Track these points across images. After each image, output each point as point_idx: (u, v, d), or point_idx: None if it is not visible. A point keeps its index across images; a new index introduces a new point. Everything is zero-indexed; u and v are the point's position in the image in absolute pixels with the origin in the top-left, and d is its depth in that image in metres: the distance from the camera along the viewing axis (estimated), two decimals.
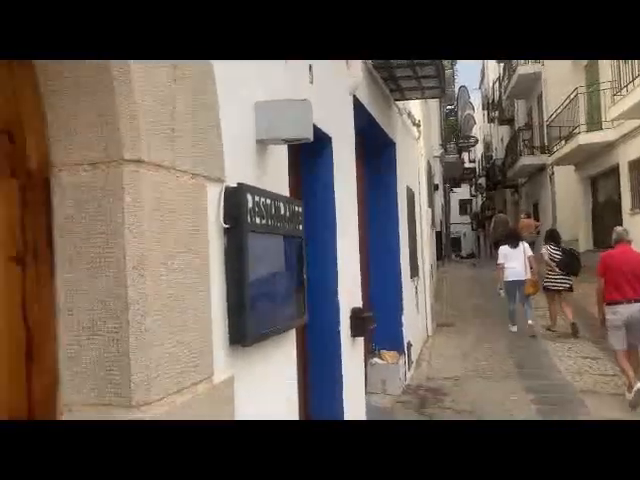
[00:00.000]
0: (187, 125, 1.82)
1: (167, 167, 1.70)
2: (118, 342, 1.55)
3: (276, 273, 2.48)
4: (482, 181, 35.33)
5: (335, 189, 3.68)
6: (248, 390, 2.17)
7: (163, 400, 1.61)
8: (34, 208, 1.59)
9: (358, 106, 4.48)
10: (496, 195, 30.03)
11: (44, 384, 1.58)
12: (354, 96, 4.36)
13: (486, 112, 33.79)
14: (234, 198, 2.09)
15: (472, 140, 25.96)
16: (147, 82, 1.61)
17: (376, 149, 5.92)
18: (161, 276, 1.63)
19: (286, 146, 2.75)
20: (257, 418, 2.22)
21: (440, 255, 17.60)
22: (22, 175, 1.57)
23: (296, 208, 2.71)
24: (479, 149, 36.39)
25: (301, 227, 2.77)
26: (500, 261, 9.14)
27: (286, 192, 2.78)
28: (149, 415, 1.55)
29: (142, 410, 1.54)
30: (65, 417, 1.58)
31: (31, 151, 1.59)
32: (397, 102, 6.32)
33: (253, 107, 2.39)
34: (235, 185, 2.12)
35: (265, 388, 2.40)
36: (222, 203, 2.05)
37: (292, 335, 2.76)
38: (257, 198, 2.23)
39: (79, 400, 1.58)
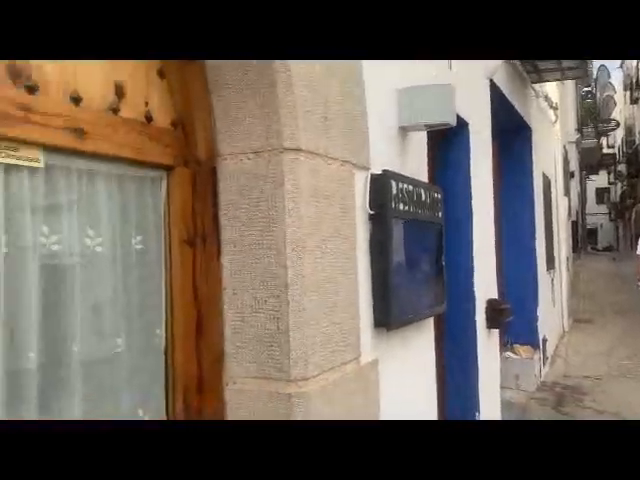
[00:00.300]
0: (338, 114, 1.88)
1: (321, 155, 1.77)
2: (278, 320, 1.64)
3: (417, 260, 2.48)
4: (622, 168, 32.58)
5: (471, 175, 3.60)
6: (390, 374, 2.20)
7: (318, 377, 1.68)
8: (203, 195, 1.73)
9: (494, 90, 4.34)
10: (639, 183, 27.57)
11: (212, 357, 1.72)
12: (490, 80, 4.22)
13: (628, 93, 31.03)
14: (379, 185, 2.13)
15: (612, 124, 24.00)
16: (304, 73, 1.69)
17: (512, 134, 5.69)
18: (316, 259, 1.71)
19: (426, 132, 2.74)
20: (398, 402, 2.25)
21: (575, 247, 16.54)
22: (193, 165, 1.72)
23: (436, 195, 2.70)
24: (619, 133, 33.56)
25: (440, 214, 2.75)
26: None
27: (425, 178, 2.77)
28: (305, 390, 1.63)
29: (300, 385, 1.63)
30: (229, 388, 1.71)
31: (200, 142, 1.73)
32: (534, 85, 6.01)
33: (396, 94, 2.41)
34: (380, 172, 2.15)
35: (405, 373, 2.43)
36: (368, 190, 2.09)
37: (431, 323, 2.76)
38: (400, 185, 2.25)
39: (242, 373, 1.70)
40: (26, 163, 1.25)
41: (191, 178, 1.71)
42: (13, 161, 1.23)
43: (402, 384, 2.37)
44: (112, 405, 1.51)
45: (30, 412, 1.28)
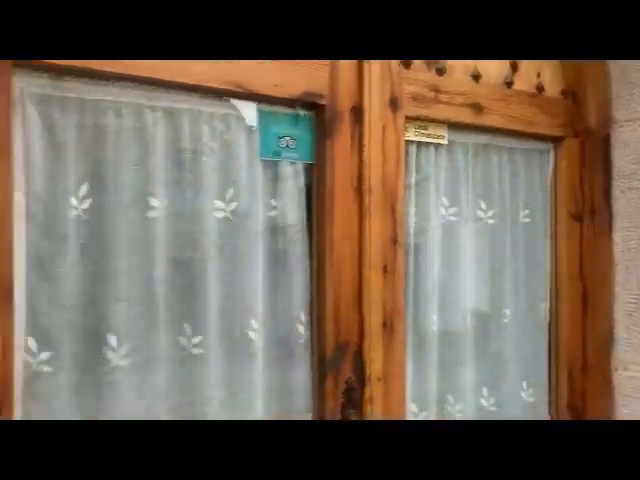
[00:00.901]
0: None
1: None
2: None
3: None
4: None
5: None
6: None
7: None
8: (591, 165, 1.63)
9: None
10: None
11: (599, 338, 1.62)
12: None
13: None
14: None
15: None
16: None
17: None
18: None
19: None
20: None
21: None
22: (582, 134, 1.63)
23: None
24: None
25: None
26: None
27: None
28: None
29: None
30: (619, 373, 1.59)
31: (591, 109, 1.62)
32: None
33: None
34: None
35: None
36: None
37: None
38: None
39: (636, 359, 1.56)
40: (434, 140, 1.37)
41: (580, 149, 1.63)
42: (424, 139, 1.35)
43: None
44: (501, 372, 1.56)
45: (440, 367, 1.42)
